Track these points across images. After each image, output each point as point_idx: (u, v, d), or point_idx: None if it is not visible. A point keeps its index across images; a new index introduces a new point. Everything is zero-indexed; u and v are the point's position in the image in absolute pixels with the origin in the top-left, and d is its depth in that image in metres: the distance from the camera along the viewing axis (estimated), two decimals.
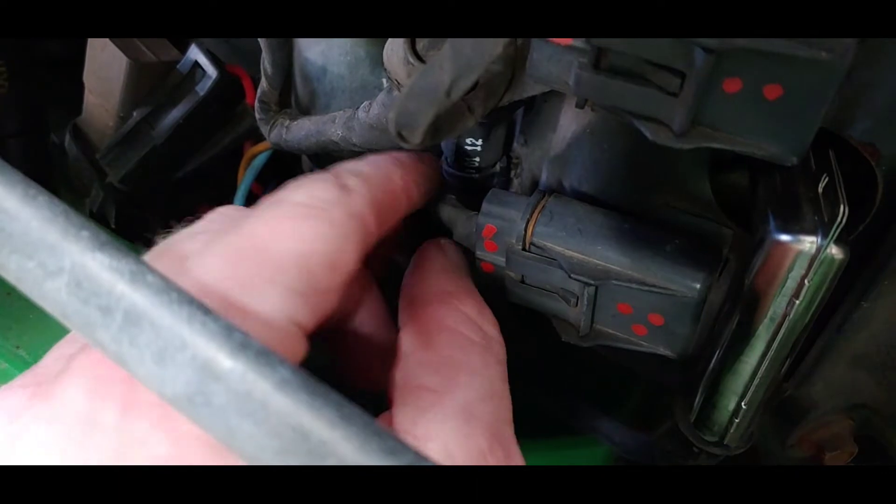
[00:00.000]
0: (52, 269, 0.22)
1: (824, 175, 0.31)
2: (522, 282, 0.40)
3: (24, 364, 0.47)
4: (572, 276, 0.37)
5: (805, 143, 0.27)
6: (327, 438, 0.19)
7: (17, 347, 0.48)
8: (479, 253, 0.40)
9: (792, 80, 0.26)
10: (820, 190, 0.31)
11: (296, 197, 0.32)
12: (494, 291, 0.41)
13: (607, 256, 0.36)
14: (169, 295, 0.21)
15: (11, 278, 0.23)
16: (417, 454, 0.19)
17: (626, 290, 0.36)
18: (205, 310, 0.21)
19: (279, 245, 0.29)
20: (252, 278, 0.28)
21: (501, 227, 0.39)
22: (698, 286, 0.35)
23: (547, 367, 0.49)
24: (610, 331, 0.39)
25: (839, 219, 0.29)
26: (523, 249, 0.38)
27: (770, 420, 0.41)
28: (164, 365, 0.20)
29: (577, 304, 0.38)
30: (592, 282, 0.36)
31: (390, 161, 0.38)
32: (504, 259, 0.39)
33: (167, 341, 0.20)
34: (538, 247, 0.38)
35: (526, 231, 0.38)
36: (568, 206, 0.38)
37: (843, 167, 0.32)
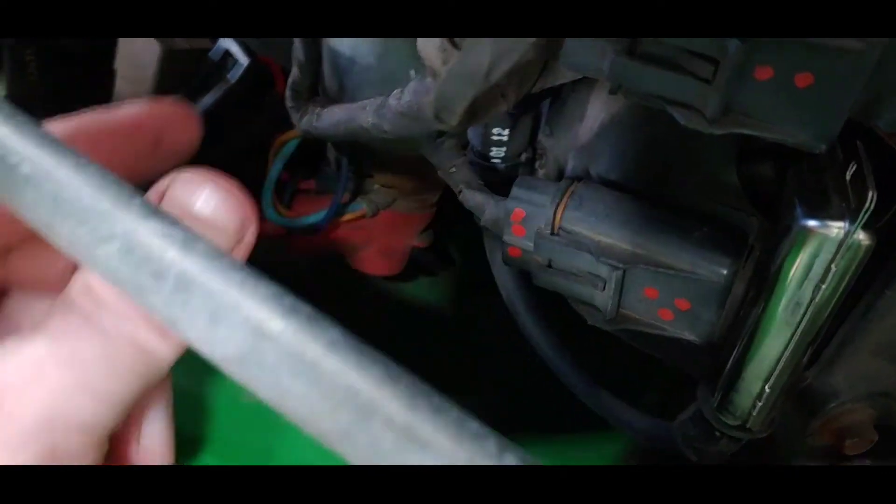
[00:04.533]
0: (104, 235, 0.23)
1: (852, 163, 0.32)
2: (549, 266, 0.40)
3: None
4: (600, 259, 0.37)
5: (834, 131, 0.28)
6: (376, 396, 0.19)
7: None
8: (506, 237, 0.41)
9: (822, 68, 0.26)
10: (847, 178, 0.31)
11: None
12: (519, 278, 0.42)
13: (636, 241, 0.37)
14: (221, 261, 0.22)
15: (63, 244, 0.24)
16: (461, 413, 0.19)
17: (654, 274, 0.37)
18: (256, 275, 0.21)
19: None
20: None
21: (530, 211, 0.39)
22: (725, 271, 0.35)
23: (569, 357, 0.50)
24: (636, 315, 0.40)
25: (868, 204, 0.30)
26: (552, 234, 0.39)
27: (791, 407, 0.41)
28: (216, 327, 0.21)
29: (604, 288, 0.39)
30: (621, 265, 0.37)
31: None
32: (532, 244, 0.40)
33: (219, 304, 0.21)
34: (567, 231, 0.38)
35: (555, 215, 0.38)
36: (597, 192, 0.39)
37: (871, 158, 0.33)
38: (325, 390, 0.20)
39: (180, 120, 0.37)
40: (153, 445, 0.34)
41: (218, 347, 0.21)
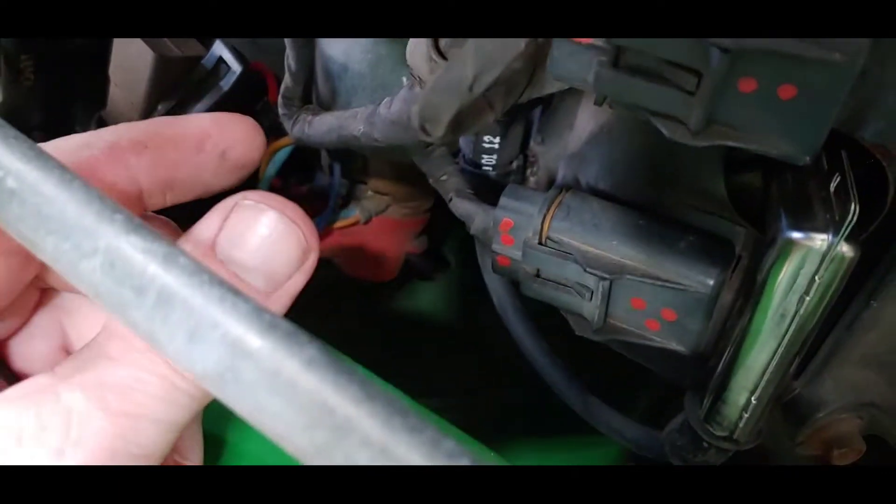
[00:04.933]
0: (86, 251, 0.23)
1: (836, 174, 0.32)
2: (537, 276, 0.40)
3: None
4: (587, 270, 0.37)
5: (817, 143, 0.28)
6: (352, 415, 0.19)
7: None
8: (495, 246, 0.41)
9: (805, 80, 0.26)
10: (832, 189, 0.32)
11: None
12: (510, 285, 0.42)
13: (622, 251, 0.37)
14: (200, 276, 0.22)
15: (48, 259, 0.24)
16: (436, 432, 0.19)
17: (640, 284, 0.37)
18: (235, 291, 0.22)
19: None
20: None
21: (518, 221, 0.40)
22: (711, 282, 0.35)
23: (560, 364, 0.50)
24: (623, 325, 0.40)
25: (850, 216, 0.30)
26: (539, 243, 0.39)
27: (779, 418, 0.42)
28: (195, 343, 0.21)
29: (591, 298, 0.39)
30: (607, 276, 0.37)
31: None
32: (520, 253, 0.40)
33: (199, 320, 0.21)
34: (554, 241, 0.38)
35: (542, 225, 0.39)
36: (584, 201, 0.39)
37: (855, 169, 0.33)
38: (301, 408, 0.20)
39: (246, 134, 0.37)
40: (192, 457, 0.35)
41: (197, 364, 0.21)
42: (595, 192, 0.41)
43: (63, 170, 0.25)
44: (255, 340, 0.21)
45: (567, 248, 0.38)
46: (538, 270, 0.40)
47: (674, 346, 0.39)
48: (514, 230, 0.40)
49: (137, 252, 0.23)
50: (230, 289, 0.22)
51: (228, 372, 0.21)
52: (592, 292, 0.39)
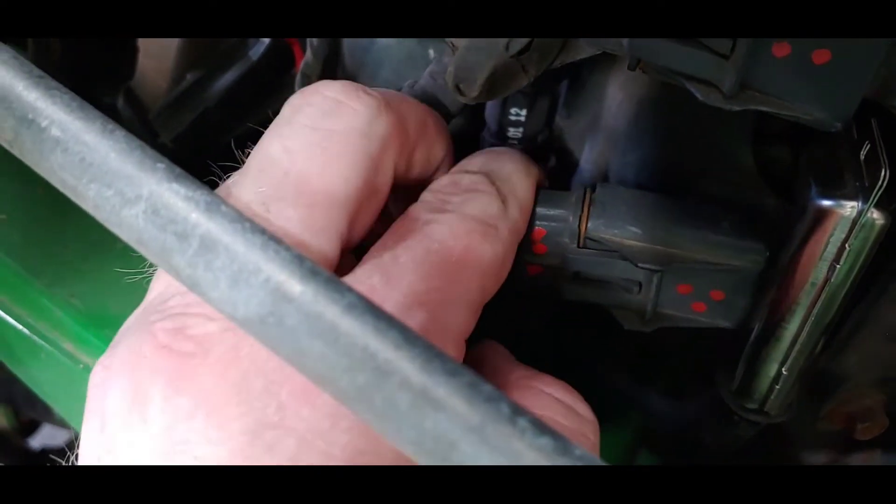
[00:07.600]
0: (130, 198, 0.24)
1: (866, 142, 0.32)
2: (576, 278, 0.39)
3: (78, 313, 0.48)
4: (639, 265, 0.37)
5: (850, 109, 0.28)
6: (392, 357, 0.20)
7: (72, 296, 0.49)
8: (527, 257, 0.39)
9: (840, 45, 0.26)
10: (862, 157, 0.31)
11: (469, 209, 0.33)
12: (543, 293, 0.40)
13: (668, 241, 0.36)
14: (243, 224, 0.22)
15: (90, 206, 0.24)
16: (475, 376, 0.20)
17: (687, 270, 0.36)
18: (277, 239, 0.22)
19: (467, 262, 0.31)
20: (448, 296, 0.30)
21: (552, 228, 0.38)
22: (761, 258, 0.35)
23: (586, 342, 0.49)
24: (669, 312, 0.39)
25: (880, 182, 0.30)
26: (579, 247, 0.38)
27: (802, 393, 0.42)
28: (238, 288, 0.21)
29: (639, 292, 0.38)
30: (658, 268, 0.36)
31: (524, 162, 0.39)
32: (557, 260, 0.39)
33: (242, 266, 0.22)
34: (595, 240, 0.37)
35: (580, 228, 0.37)
36: (616, 194, 0.38)
37: (887, 138, 0.33)
38: (342, 351, 0.20)
39: None
40: None
41: (239, 308, 0.22)
42: (621, 171, 0.40)
43: (105, 120, 0.26)
44: (296, 286, 0.21)
45: (610, 246, 0.37)
46: (577, 273, 0.39)
47: (721, 323, 0.39)
48: (547, 238, 0.38)
49: (180, 199, 0.23)
50: (272, 237, 0.22)
51: (271, 316, 0.21)
52: (640, 285, 0.38)
